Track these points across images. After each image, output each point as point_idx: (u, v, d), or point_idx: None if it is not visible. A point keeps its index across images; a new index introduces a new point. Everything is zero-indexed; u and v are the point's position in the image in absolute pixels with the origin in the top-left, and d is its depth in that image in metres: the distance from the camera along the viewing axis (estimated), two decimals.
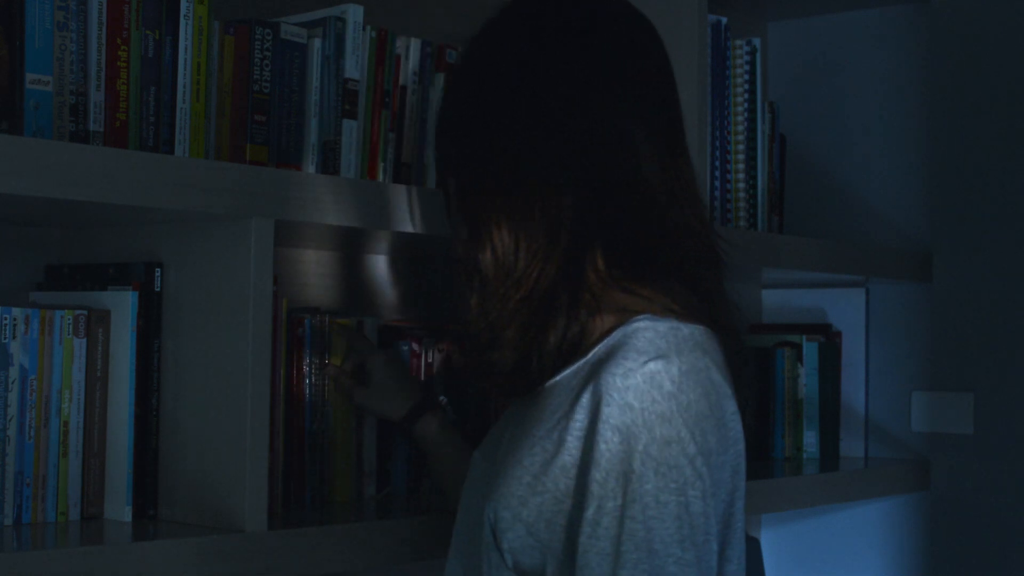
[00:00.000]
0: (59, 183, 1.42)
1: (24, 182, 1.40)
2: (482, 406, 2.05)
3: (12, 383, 1.57)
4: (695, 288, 1.46)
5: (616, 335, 1.40)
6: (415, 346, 2.01)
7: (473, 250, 1.46)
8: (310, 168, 1.81)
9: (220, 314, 1.61)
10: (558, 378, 1.43)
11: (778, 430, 2.63)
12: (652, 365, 1.36)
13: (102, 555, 1.45)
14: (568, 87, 1.44)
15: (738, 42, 2.40)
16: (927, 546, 2.69)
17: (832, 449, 2.70)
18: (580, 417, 1.37)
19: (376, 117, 1.90)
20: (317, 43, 1.82)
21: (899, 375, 2.74)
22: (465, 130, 1.49)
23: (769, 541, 2.83)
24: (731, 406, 1.40)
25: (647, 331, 1.39)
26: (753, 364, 2.62)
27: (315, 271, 2.08)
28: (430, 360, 2.02)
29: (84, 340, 1.63)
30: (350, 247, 2.06)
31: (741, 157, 2.41)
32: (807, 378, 2.66)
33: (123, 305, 1.64)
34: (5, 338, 1.56)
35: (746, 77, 2.40)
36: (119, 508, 1.64)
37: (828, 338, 2.72)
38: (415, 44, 1.96)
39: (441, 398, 1.89)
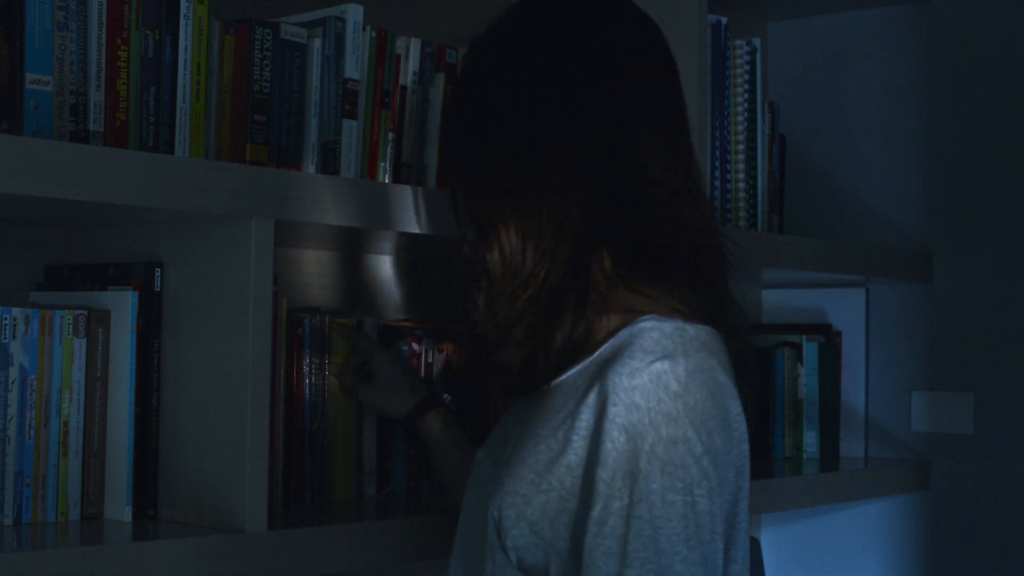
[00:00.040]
0: (59, 183, 1.42)
1: (24, 182, 1.39)
2: (483, 405, 2.05)
3: (12, 383, 1.57)
4: (701, 288, 1.46)
5: (622, 335, 1.41)
6: (415, 346, 2.00)
7: (481, 250, 1.46)
8: (310, 168, 1.81)
9: (220, 314, 1.61)
10: (563, 377, 1.43)
11: (778, 430, 2.63)
12: (658, 365, 1.36)
13: (102, 555, 1.45)
14: (572, 88, 1.44)
15: (738, 42, 2.40)
16: (927, 546, 2.68)
17: (832, 449, 2.70)
18: (586, 416, 1.38)
19: (376, 117, 1.90)
20: (317, 43, 1.81)
21: (899, 375, 2.74)
22: (470, 131, 1.49)
23: (769, 541, 2.83)
24: (736, 406, 1.41)
25: (653, 331, 1.39)
26: (753, 364, 2.62)
27: (315, 271, 2.07)
28: (430, 360, 2.02)
29: (84, 340, 1.62)
30: (350, 247, 2.06)
31: (741, 157, 2.40)
32: (807, 378, 2.66)
33: (123, 305, 1.64)
34: (5, 338, 1.56)
35: (746, 77, 2.40)
36: (119, 508, 1.64)
37: (828, 338, 2.72)
38: (415, 44, 1.96)
39: (445, 396, 1.89)
